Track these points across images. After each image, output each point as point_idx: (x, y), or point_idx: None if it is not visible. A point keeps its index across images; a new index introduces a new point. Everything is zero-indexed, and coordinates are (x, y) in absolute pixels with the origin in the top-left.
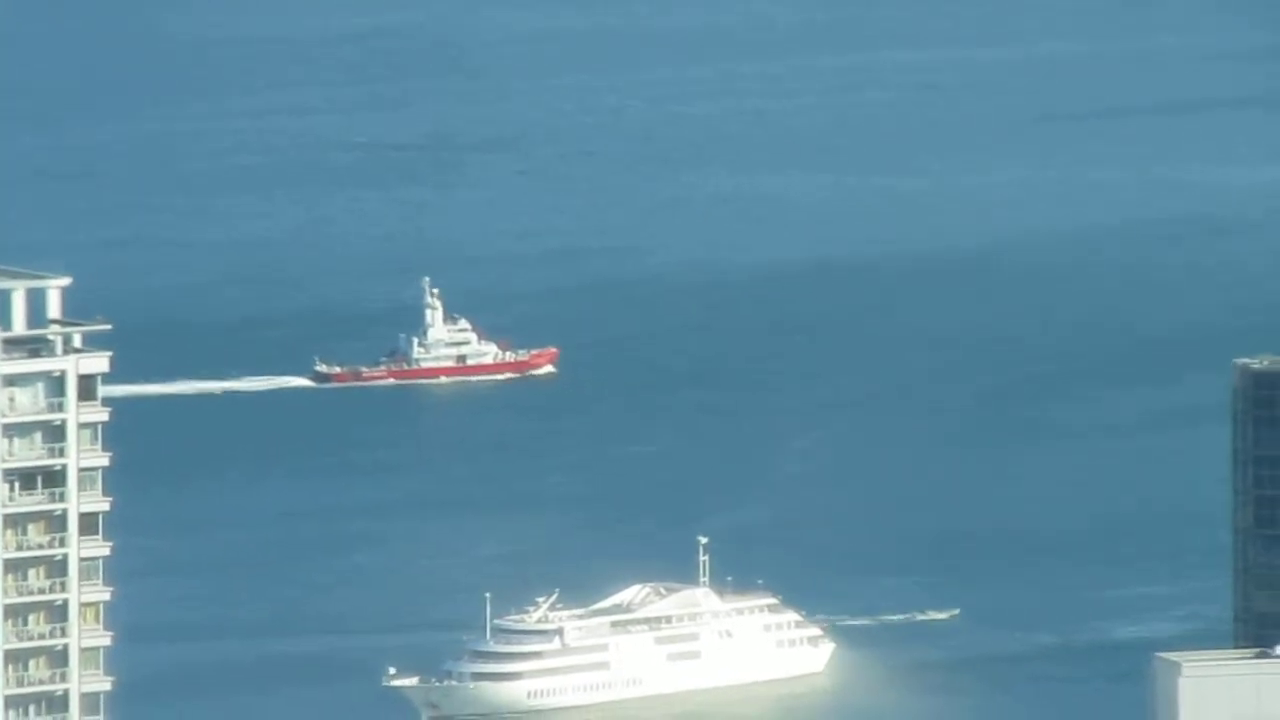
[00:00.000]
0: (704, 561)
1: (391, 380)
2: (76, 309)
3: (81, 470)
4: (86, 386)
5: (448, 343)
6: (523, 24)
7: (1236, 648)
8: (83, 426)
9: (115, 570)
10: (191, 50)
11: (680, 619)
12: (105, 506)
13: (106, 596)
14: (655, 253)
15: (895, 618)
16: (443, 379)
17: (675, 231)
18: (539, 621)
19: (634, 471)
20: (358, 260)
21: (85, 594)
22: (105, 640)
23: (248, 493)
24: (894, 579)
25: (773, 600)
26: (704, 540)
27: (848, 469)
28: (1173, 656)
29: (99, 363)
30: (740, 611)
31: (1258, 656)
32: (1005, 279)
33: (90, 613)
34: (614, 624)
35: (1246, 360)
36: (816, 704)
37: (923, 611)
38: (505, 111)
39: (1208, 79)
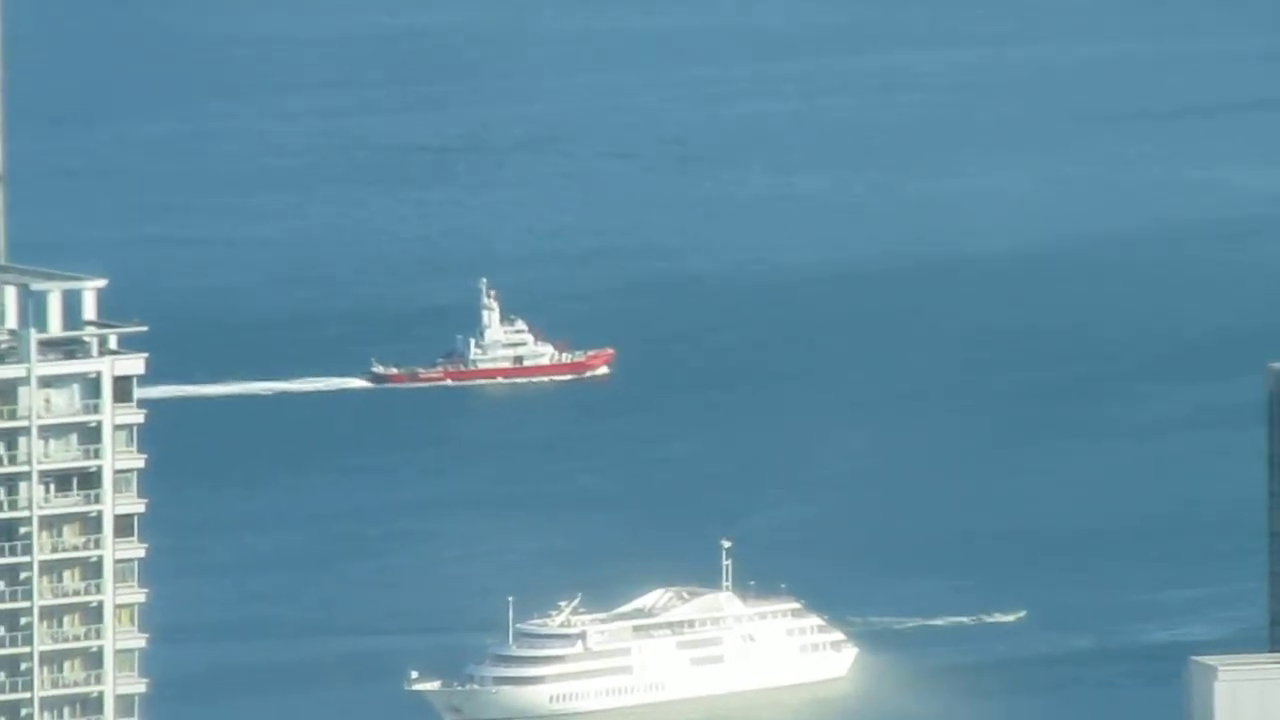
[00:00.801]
0: (727, 565)
1: (449, 381)
2: (113, 309)
3: (117, 472)
4: (122, 388)
5: (504, 344)
6: (555, 24)
7: (1273, 651)
8: (118, 428)
9: (158, 571)
10: (223, 49)
11: (703, 623)
12: (140, 508)
13: (141, 598)
14: (697, 253)
15: (963, 619)
16: (500, 380)
17: (715, 232)
18: (561, 625)
19: (671, 473)
20: (398, 261)
21: (120, 596)
22: (140, 642)
23: (293, 493)
24: (929, 581)
25: (796, 604)
26: (727, 544)
27: (885, 469)
28: (1209, 660)
29: (135, 364)
30: (763, 616)
31: None
32: (1040, 280)
33: (125, 614)
34: (636, 628)
35: None
36: (839, 709)
37: (989, 614)
38: (540, 112)
39: (1241, 80)
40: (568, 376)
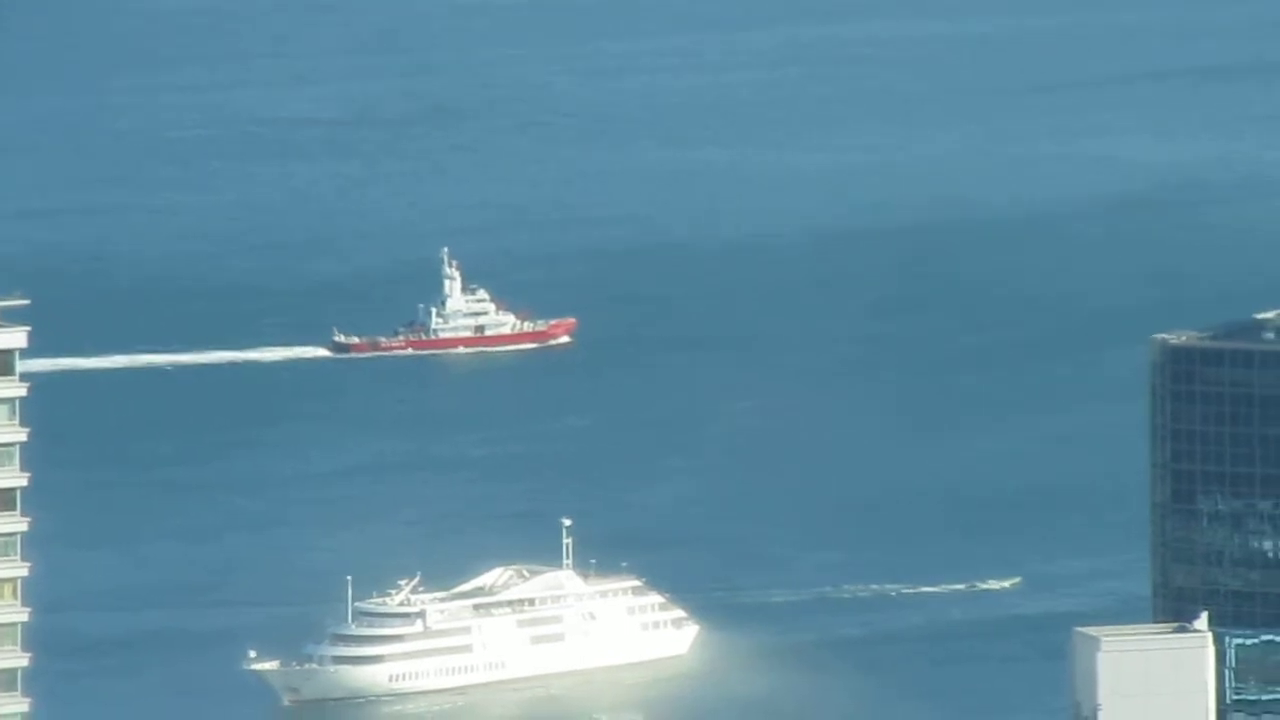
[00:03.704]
0: (568, 544)
1: (410, 351)
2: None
3: None
4: (3, 362)
5: (466, 313)
6: None
7: (1155, 622)
8: (0, 402)
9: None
10: (118, 23)
11: (543, 602)
12: (23, 482)
13: (24, 572)
14: (621, 224)
15: (957, 587)
16: (461, 350)
17: (618, 202)
18: (401, 604)
19: (577, 444)
20: (316, 233)
21: (2, 570)
22: (23, 616)
23: (220, 463)
24: (819, 553)
25: (636, 583)
26: (567, 522)
27: (788, 438)
28: (1091, 631)
29: (16, 338)
30: (604, 594)
31: (1176, 631)
32: (937, 253)
33: (8, 589)
34: (476, 607)
35: (1165, 335)
36: (679, 686)
37: (983, 580)
38: (429, 85)
39: (1136, 53)
40: (530, 345)
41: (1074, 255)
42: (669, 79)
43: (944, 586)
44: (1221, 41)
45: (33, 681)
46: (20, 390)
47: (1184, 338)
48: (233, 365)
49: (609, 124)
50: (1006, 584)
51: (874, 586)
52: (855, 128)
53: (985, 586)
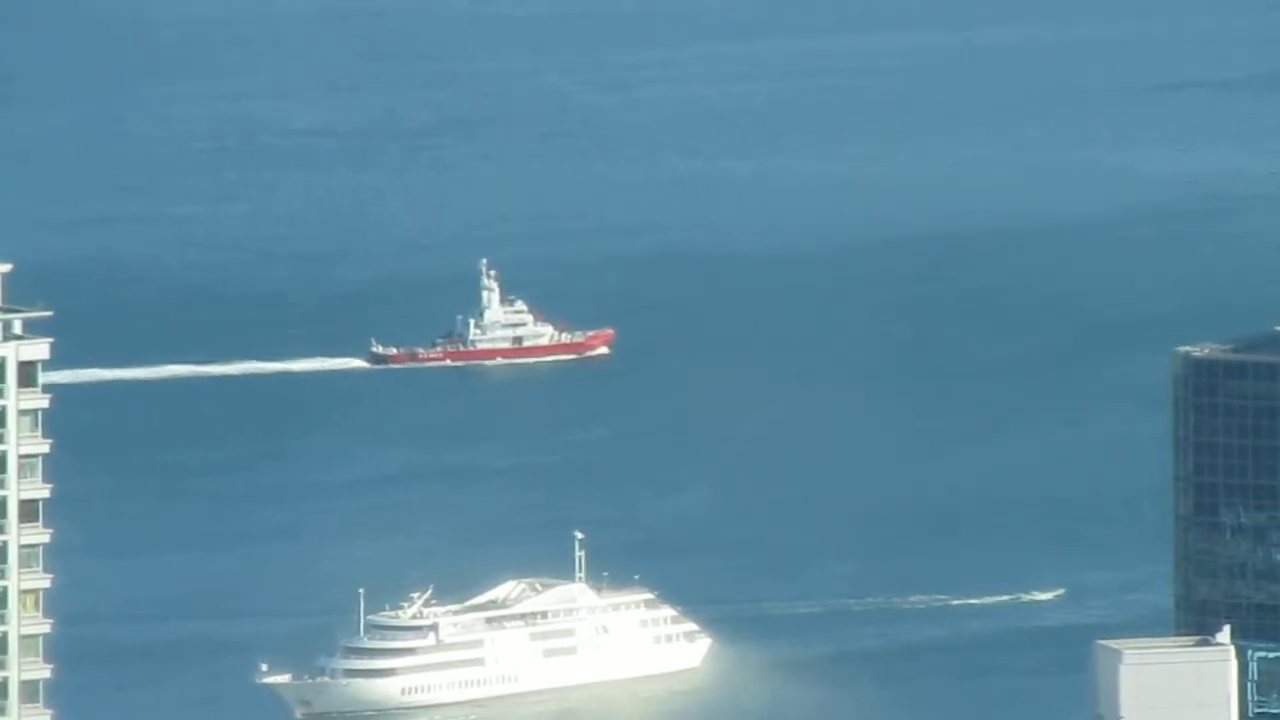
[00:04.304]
0: (580, 557)
1: (448, 362)
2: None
3: (21, 457)
4: (27, 373)
5: (504, 324)
6: (457, 8)
7: (1177, 635)
8: (23, 413)
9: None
10: (136, 32)
11: (556, 615)
12: (45, 493)
13: (47, 583)
14: (628, 234)
15: (1002, 598)
16: (499, 360)
17: (640, 212)
18: (413, 618)
19: (595, 457)
20: (323, 245)
21: (25, 581)
22: (45, 627)
23: (250, 473)
24: (837, 564)
25: (649, 596)
26: (580, 535)
27: (796, 452)
28: (1113, 644)
29: (39, 349)
30: (616, 607)
31: (1198, 644)
32: (959, 263)
33: (30, 600)
34: (489, 620)
35: (1188, 348)
36: (692, 700)
37: (1027, 592)
38: (448, 97)
39: (1153, 65)
40: (568, 357)
41: (1096, 266)
42: (690, 89)
43: (988, 598)
44: (1243, 53)
45: (54, 693)
46: (43, 401)
47: (1206, 350)
48: (267, 376)
49: (631, 134)
50: (1049, 596)
51: (910, 598)
52: (877, 138)
53: (1029, 599)
